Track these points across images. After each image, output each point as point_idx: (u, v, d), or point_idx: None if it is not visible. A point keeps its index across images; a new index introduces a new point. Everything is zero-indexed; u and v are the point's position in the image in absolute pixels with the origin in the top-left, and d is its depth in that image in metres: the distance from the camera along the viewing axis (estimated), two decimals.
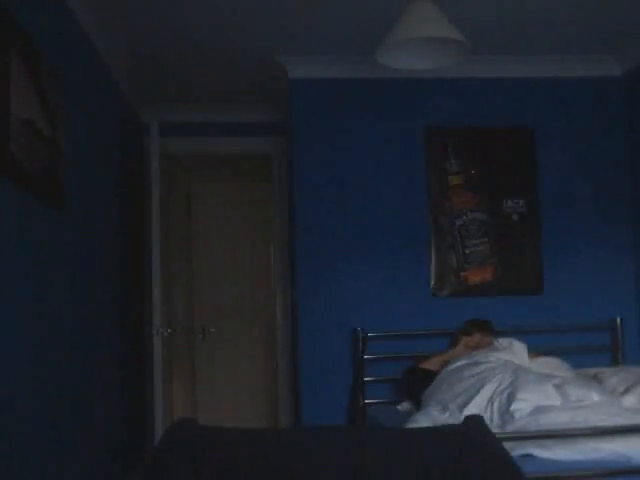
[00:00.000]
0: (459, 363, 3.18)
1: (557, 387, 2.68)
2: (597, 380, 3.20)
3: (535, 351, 3.46)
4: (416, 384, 3.47)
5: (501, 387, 2.77)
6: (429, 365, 3.63)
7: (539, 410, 2.53)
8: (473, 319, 3.84)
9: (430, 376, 3.31)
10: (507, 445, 1.72)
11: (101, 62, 3.78)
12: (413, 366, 3.72)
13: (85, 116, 3.42)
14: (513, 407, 2.58)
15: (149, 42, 3.90)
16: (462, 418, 1.63)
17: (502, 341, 3.38)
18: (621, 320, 4.10)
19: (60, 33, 3.04)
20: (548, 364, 3.19)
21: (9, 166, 2.31)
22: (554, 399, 2.60)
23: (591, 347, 4.08)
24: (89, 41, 3.51)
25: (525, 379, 2.73)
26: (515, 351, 3.27)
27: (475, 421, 1.65)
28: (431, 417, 2.76)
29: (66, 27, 3.14)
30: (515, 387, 2.69)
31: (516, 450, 2.13)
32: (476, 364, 3.08)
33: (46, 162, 2.71)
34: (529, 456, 2.19)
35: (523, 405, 2.58)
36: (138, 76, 4.40)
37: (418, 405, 3.29)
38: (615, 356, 4.08)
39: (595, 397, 2.63)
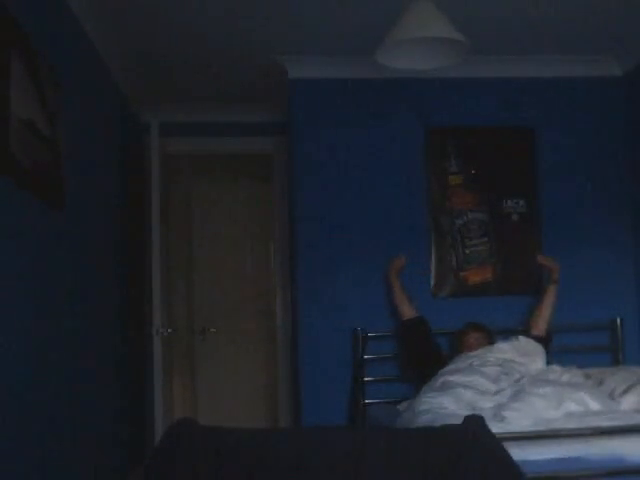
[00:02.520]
0: (457, 365, 3.17)
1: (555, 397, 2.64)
2: (597, 380, 3.19)
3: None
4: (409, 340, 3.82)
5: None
6: (408, 312, 3.83)
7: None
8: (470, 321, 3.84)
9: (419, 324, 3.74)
10: (506, 445, 1.72)
11: (101, 62, 3.78)
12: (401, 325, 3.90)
13: (85, 116, 3.42)
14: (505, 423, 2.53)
15: (149, 42, 3.90)
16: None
17: (503, 345, 3.37)
18: (621, 320, 4.09)
19: (60, 33, 3.04)
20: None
21: (9, 166, 2.32)
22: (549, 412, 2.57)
23: (591, 347, 4.08)
24: (89, 41, 3.51)
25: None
26: (520, 348, 3.24)
27: (475, 421, 1.65)
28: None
29: (66, 27, 3.14)
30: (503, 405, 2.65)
31: (515, 450, 2.13)
32: (471, 367, 3.08)
33: (46, 162, 2.71)
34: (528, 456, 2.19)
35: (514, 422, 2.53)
36: (138, 76, 4.39)
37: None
38: (615, 356, 4.08)
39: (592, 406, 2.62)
